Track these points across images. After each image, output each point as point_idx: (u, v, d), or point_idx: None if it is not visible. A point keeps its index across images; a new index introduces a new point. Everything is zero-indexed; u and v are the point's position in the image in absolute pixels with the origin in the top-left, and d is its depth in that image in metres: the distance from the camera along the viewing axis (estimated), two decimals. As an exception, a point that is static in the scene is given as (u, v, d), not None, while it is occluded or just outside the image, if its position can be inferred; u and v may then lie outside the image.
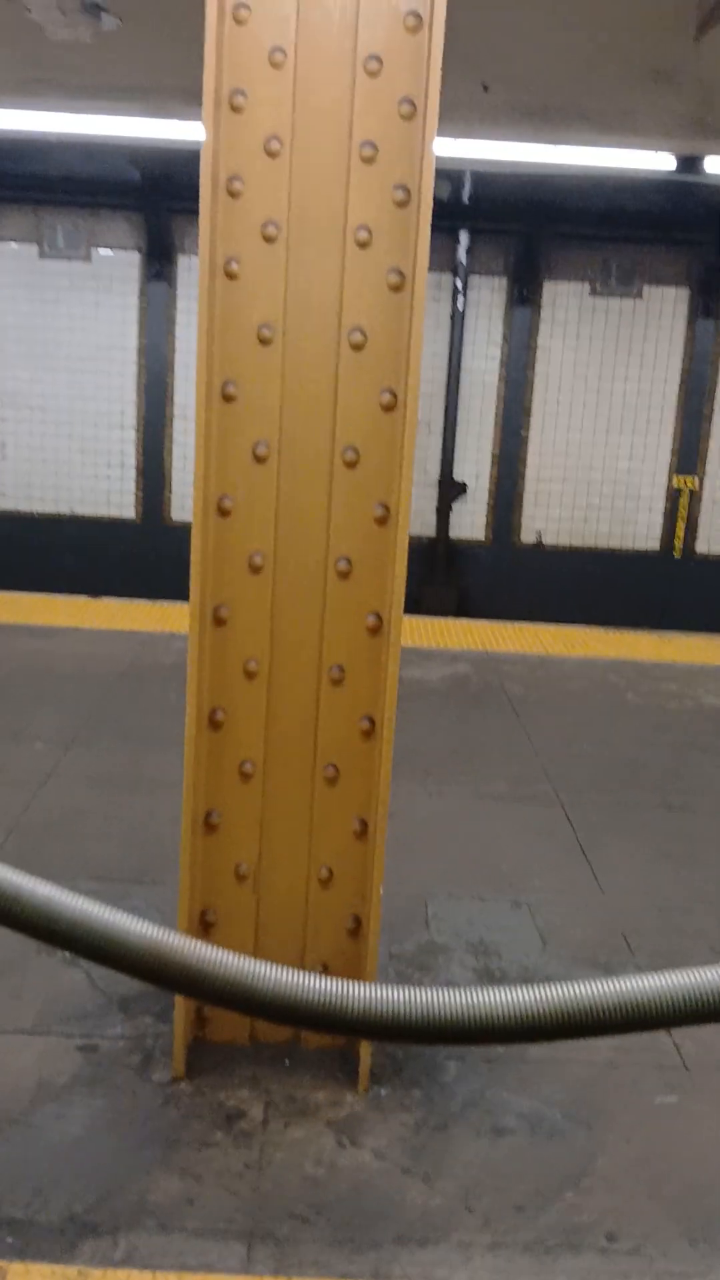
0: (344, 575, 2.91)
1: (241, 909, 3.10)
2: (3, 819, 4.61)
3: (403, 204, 2.70)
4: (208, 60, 2.58)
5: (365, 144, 2.67)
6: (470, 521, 11.99)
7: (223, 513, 2.87)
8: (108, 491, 11.81)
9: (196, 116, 6.54)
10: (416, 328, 2.68)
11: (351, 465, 2.84)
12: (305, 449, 2.84)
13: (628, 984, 1.23)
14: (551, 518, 11.97)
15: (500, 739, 6.13)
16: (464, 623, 8.92)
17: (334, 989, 1.29)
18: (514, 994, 1.26)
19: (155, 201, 11.06)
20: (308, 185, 2.70)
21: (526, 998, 1.25)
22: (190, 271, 11.34)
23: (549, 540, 12.02)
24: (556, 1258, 2.52)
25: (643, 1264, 2.51)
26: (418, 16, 2.62)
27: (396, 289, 2.74)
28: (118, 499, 11.84)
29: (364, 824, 3.05)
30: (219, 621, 2.93)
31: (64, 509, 11.83)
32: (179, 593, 9.52)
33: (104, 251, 11.31)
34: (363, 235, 2.71)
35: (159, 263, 11.26)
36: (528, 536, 12.01)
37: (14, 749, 5.45)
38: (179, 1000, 3.01)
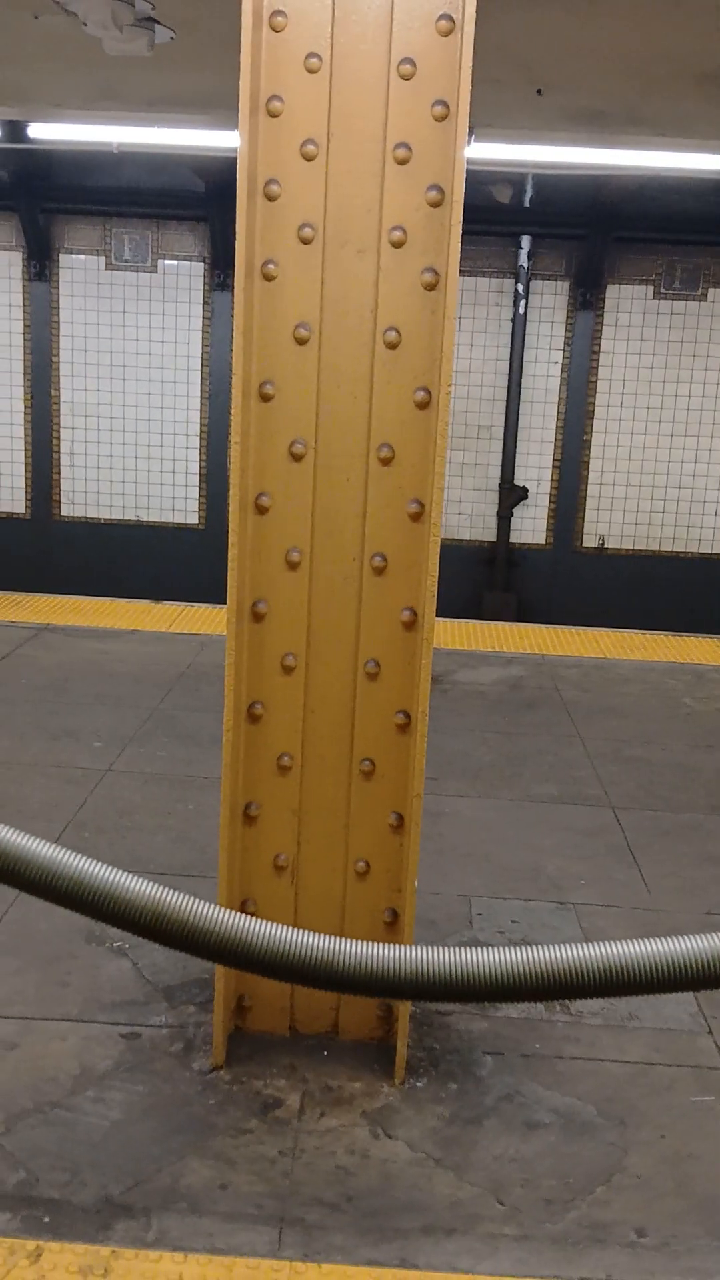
0: (379, 571, 2.95)
1: (280, 900, 3.14)
2: (61, 813, 4.72)
3: (436, 204, 2.74)
4: (244, 67, 2.65)
5: (399, 145, 2.71)
6: (531, 526, 11.95)
7: (260, 510, 2.93)
8: (172, 499, 11.98)
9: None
10: (449, 326, 2.71)
11: (386, 463, 2.88)
12: (341, 447, 2.88)
13: (610, 949, 1.25)
14: (614, 522, 11.88)
15: (553, 742, 6.11)
16: (521, 627, 8.90)
17: (327, 945, 1.33)
18: (496, 955, 1.29)
19: (220, 212, 11.21)
20: (343, 187, 2.74)
21: (510, 959, 1.28)
22: (253, 280, 11.45)
23: (611, 545, 11.94)
24: (583, 1251, 2.52)
25: (669, 1260, 2.50)
26: (450, 19, 2.66)
27: (431, 288, 2.78)
28: (182, 505, 12.01)
29: (400, 818, 3.08)
30: (257, 617, 2.98)
31: (130, 515, 12.02)
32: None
33: (169, 262, 11.49)
34: (397, 235, 2.75)
35: (224, 272, 11.41)
36: (590, 541, 11.94)
37: (73, 747, 5.57)
38: (220, 990, 3.06)
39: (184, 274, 11.52)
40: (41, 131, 7.63)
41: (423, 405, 2.84)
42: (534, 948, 1.34)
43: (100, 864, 1.37)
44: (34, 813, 4.72)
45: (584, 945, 1.29)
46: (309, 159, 2.73)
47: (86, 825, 4.62)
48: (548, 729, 6.37)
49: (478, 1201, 2.69)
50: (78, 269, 11.55)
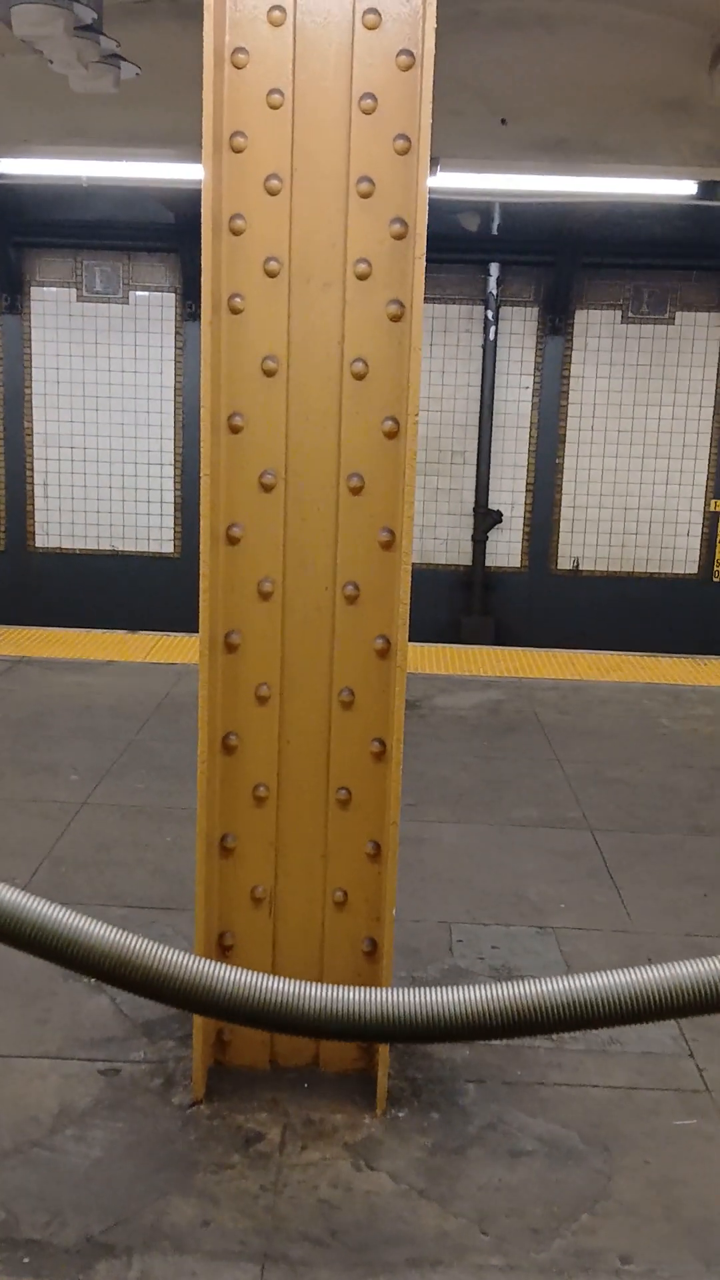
0: (351, 600, 2.95)
1: (258, 932, 3.13)
2: (37, 849, 4.68)
3: (400, 236, 2.76)
4: (206, 104, 2.67)
5: (362, 179, 2.74)
6: (506, 550, 12.01)
7: (232, 541, 2.93)
8: (148, 528, 11.98)
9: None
10: (415, 357, 2.74)
11: (356, 492, 2.89)
12: (311, 477, 2.90)
13: (574, 983, 1.25)
14: (588, 544, 11.96)
15: (531, 765, 6.12)
16: (498, 650, 8.92)
17: (291, 989, 1.33)
18: (462, 993, 1.29)
19: (190, 243, 11.26)
20: (308, 221, 2.77)
21: (476, 996, 1.28)
22: (225, 310, 11.52)
23: (586, 566, 12.01)
24: (570, 1280, 2.51)
25: (656, 1286, 2.49)
26: (410, 54, 2.69)
27: (396, 319, 2.80)
28: (157, 535, 12.00)
29: (377, 846, 3.07)
30: (230, 648, 2.99)
31: (105, 545, 12.01)
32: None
33: (141, 293, 11.54)
34: (362, 268, 2.78)
35: (195, 303, 11.45)
36: (564, 564, 12.00)
37: (50, 781, 5.53)
38: (198, 1024, 3.04)
39: (155, 305, 11.57)
40: (10, 167, 7.67)
41: (391, 435, 2.86)
42: (499, 984, 1.34)
43: (63, 908, 1.36)
44: (10, 849, 4.68)
45: (549, 979, 1.29)
46: (273, 194, 2.76)
47: (64, 860, 4.59)
48: (527, 752, 6.37)
49: (464, 1232, 2.67)
50: (49, 301, 11.58)
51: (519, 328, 11.51)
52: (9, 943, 1.33)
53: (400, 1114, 3.07)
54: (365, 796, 3.05)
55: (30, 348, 11.63)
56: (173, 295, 11.56)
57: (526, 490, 11.86)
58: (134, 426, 11.79)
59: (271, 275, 2.79)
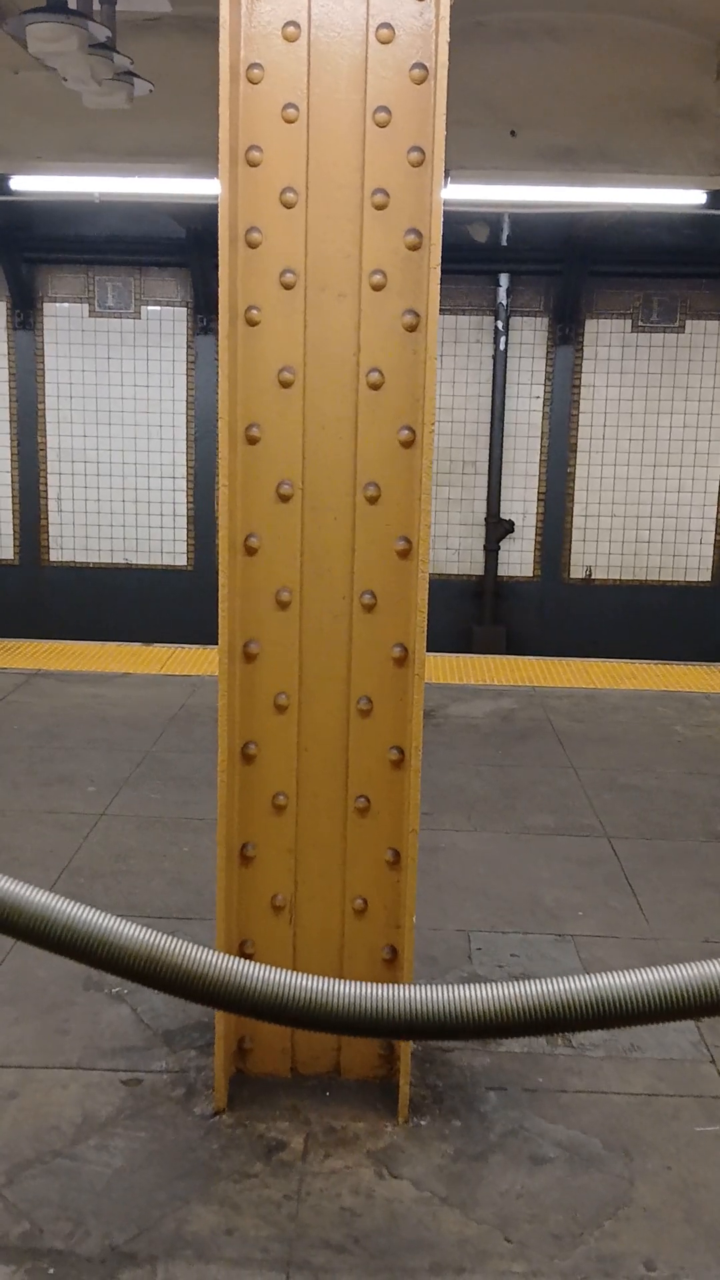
0: (369, 608, 2.97)
1: (278, 940, 3.14)
2: (56, 859, 4.70)
3: (415, 247, 2.79)
4: (222, 118, 2.70)
5: (377, 191, 2.77)
6: (519, 559, 12.02)
7: (249, 551, 2.95)
8: (161, 541, 12.03)
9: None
10: (430, 366, 2.76)
11: (373, 501, 2.91)
12: (328, 486, 2.92)
13: (598, 981, 1.26)
14: (600, 553, 11.96)
15: (547, 773, 6.12)
16: (511, 659, 8.92)
17: (320, 987, 1.34)
18: (490, 990, 1.30)
19: (201, 258, 11.34)
20: (323, 233, 2.79)
21: (504, 994, 1.29)
22: (236, 323, 11.58)
23: (598, 575, 12.01)
24: (593, 1286, 2.51)
25: (680, 1292, 2.48)
26: (423, 68, 2.72)
27: (411, 329, 2.82)
28: (170, 548, 12.05)
29: (396, 854, 3.08)
30: (249, 657, 3.00)
31: (118, 559, 12.06)
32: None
33: (152, 308, 11.60)
34: (377, 279, 2.80)
35: (206, 317, 11.52)
36: (576, 572, 12.00)
37: (67, 792, 5.55)
38: (220, 1033, 3.05)
39: (167, 319, 11.64)
40: (23, 184, 7.74)
41: (407, 444, 2.88)
42: (530, 982, 1.35)
43: (93, 910, 1.38)
44: (29, 860, 4.70)
45: (575, 978, 1.30)
46: (289, 206, 2.78)
47: (82, 871, 4.61)
48: (541, 760, 6.37)
49: (486, 1238, 2.67)
50: (61, 317, 11.65)
51: (529, 337, 11.54)
52: (39, 944, 1.35)
53: (422, 1121, 3.07)
54: (384, 804, 3.06)
55: (43, 363, 11.70)
56: (184, 309, 11.62)
57: (538, 499, 11.88)
58: (146, 440, 11.85)
59: (287, 287, 2.81)
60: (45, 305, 11.61)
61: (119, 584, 12.07)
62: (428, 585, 2.86)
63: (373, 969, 3.13)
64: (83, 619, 11.71)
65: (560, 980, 1.29)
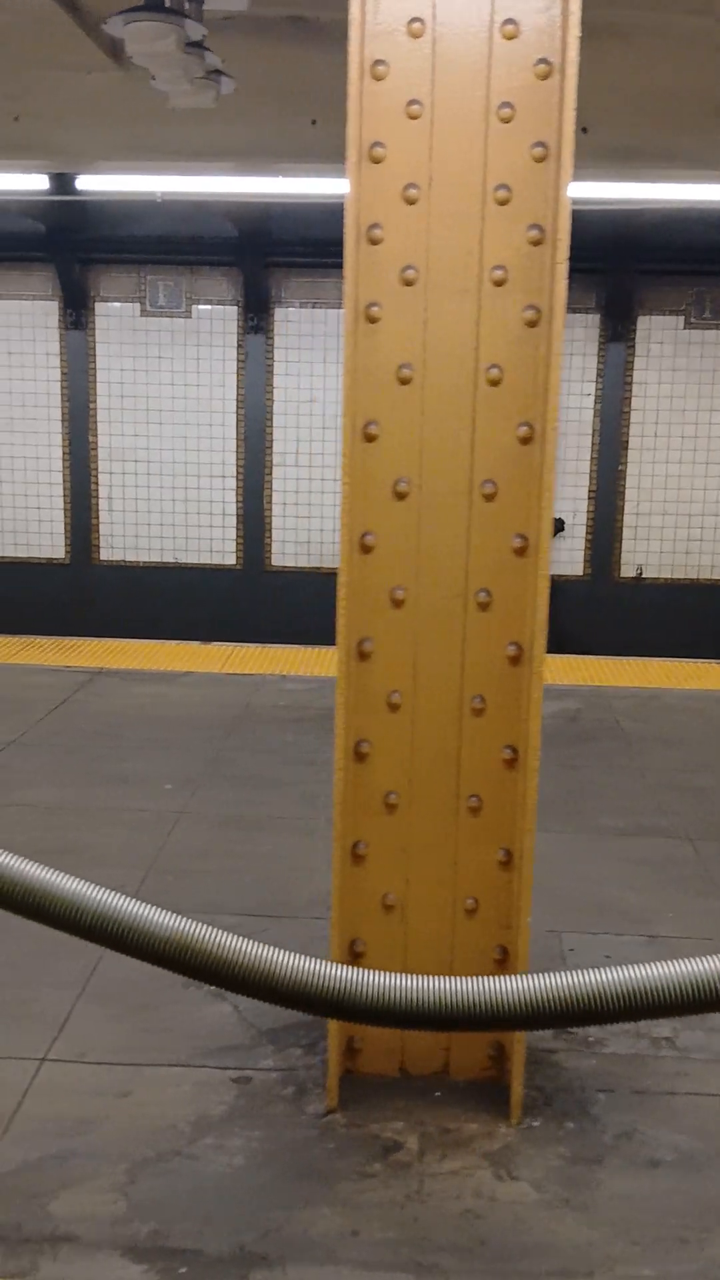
0: (484, 606, 2.95)
1: (389, 939, 3.12)
2: (139, 859, 4.71)
3: (537, 242, 2.77)
4: (350, 115, 2.69)
5: (499, 187, 2.75)
6: (569, 558, 11.96)
7: (365, 549, 2.94)
8: (210, 540, 12.06)
9: (298, 172, 6.75)
10: (554, 361, 2.74)
11: (490, 498, 2.89)
12: (444, 484, 2.90)
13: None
14: (651, 551, 11.88)
15: (612, 774, 6.08)
16: (572, 659, 8.88)
17: (349, 976, 1.37)
18: (507, 983, 1.34)
19: (251, 257, 11.35)
20: (445, 229, 2.78)
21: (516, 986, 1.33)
22: (286, 322, 11.59)
23: (649, 574, 11.93)
24: (730, 1292, 2.48)
25: None
26: (548, 63, 2.70)
27: (532, 324, 2.80)
28: (219, 546, 12.08)
29: (508, 854, 3.06)
30: (363, 655, 2.99)
31: (167, 558, 12.10)
32: (277, 635, 9.68)
33: (203, 307, 11.63)
34: (499, 274, 2.78)
35: (256, 316, 11.53)
36: (627, 571, 11.93)
37: (142, 791, 5.57)
38: (332, 1031, 3.04)
39: (217, 318, 11.66)
40: (89, 183, 7.77)
41: (525, 440, 2.86)
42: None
43: (122, 896, 1.44)
44: (112, 860, 4.72)
45: (667, 963, 1.35)
46: (411, 203, 2.77)
47: (167, 870, 4.62)
48: (607, 760, 6.34)
49: (610, 1242, 2.65)
50: (113, 316, 11.70)
51: (580, 335, 11.48)
52: (71, 930, 1.39)
53: (534, 1123, 3.05)
54: (497, 804, 3.04)
55: (95, 363, 11.75)
56: (234, 309, 11.64)
57: (589, 498, 11.81)
58: (196, 439, 11.88)
59: (408, 284, 2.80)
60: (97, 305, 11.66)
61: (168, 582, 12.10)
62: (549, 584, 2.84)
63: (483, 969, 3.11)
64: (132, 617, 11.74)
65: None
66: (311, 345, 11.71)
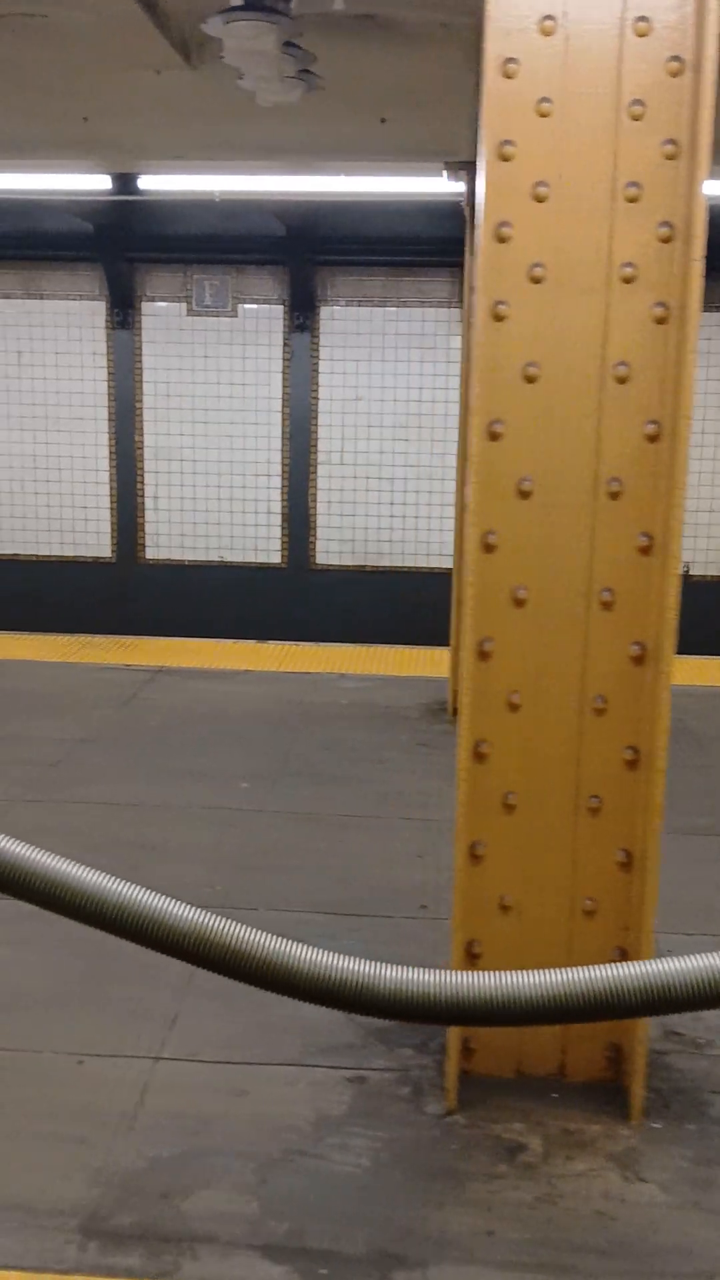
0: (607, 606, 2.94)
1: (505, 940, 3.11)
2: (225, 855, 4.72)
3: (667, 240, 2.75)
4: (483, 114, 2.69)
5: (630, 184, 2.73)
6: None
7: (487, 548, 2.93)
8: (255, 539, 12.07)
9: (365, 171, 6.73)
10: (686, 358, 2.72)
11: (615, 497, 2.88)
12: (568, 482, 2.89)
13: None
14: (699, 549, 11.82)
15: (685, 773, 6.04)
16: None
17: (367, 970, 1.42)
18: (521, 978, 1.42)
19: (298, 255, 11.34)
20: (573, 226, 2.76)
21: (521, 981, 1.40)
22: (332, 320, 11.59)
23: (696, 571, 11.87)
24: None
25: None
26: (679, 60, 2.68)
27: (662, 321, 2.78)
28: (264, 545, 12.09)
29: (628, 855, 3.05)
30: (483, 655, 2.98)
31: (213, 556, 12.12)
32: (322, 634, 9.66)
33: (249, 306, 11.64)
34: (628, 271, 2.76)
35: (303, 314, 11.53)
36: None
37: (219, 787, 5.57)
38: (451, 1034, 3.04)
39: (263, 317, 11.66)
40: (151, 183, 7.79)
41: (653, 438, 2.84)
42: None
43: (143, 889, 1.44)
44: (198, 856, 4.73)
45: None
46: (540, 200, 2.76)
47: (254, 867, 4.62)
48: (679, 760, 6.28)
49: (747, 1245, 2.64)
50: (159, 316, 11.73)
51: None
52: (93, 923, 1.44)
53: (655, 1125, 3.04)
54: (617, 805, 3.03)
55: (141, 362, 11.78)
56: (280, 307, 11.64)
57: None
58: (241, 438, 11.89)
59: (536, 281, 2.78)
60: (144, 304, 11.69)
61: (213, 581, 12.12)
62: (678, 583, 2.83)
63: (601, 970, 3.10)
64: (177, 616, 11.77)
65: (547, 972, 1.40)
66: (356, 343, 11.70)
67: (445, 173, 6.22)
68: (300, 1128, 3.00)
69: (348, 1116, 3.04)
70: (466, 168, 6.14)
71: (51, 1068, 3.24)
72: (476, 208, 2.73)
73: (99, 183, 7.88)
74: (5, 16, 6.15)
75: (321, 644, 8.73)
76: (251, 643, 8.66)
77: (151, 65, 6.05)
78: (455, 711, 6.88)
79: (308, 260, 11.38)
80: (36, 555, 12.23)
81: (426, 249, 11.22)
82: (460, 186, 6.59)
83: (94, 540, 12.19)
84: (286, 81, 4.22)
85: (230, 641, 8.66)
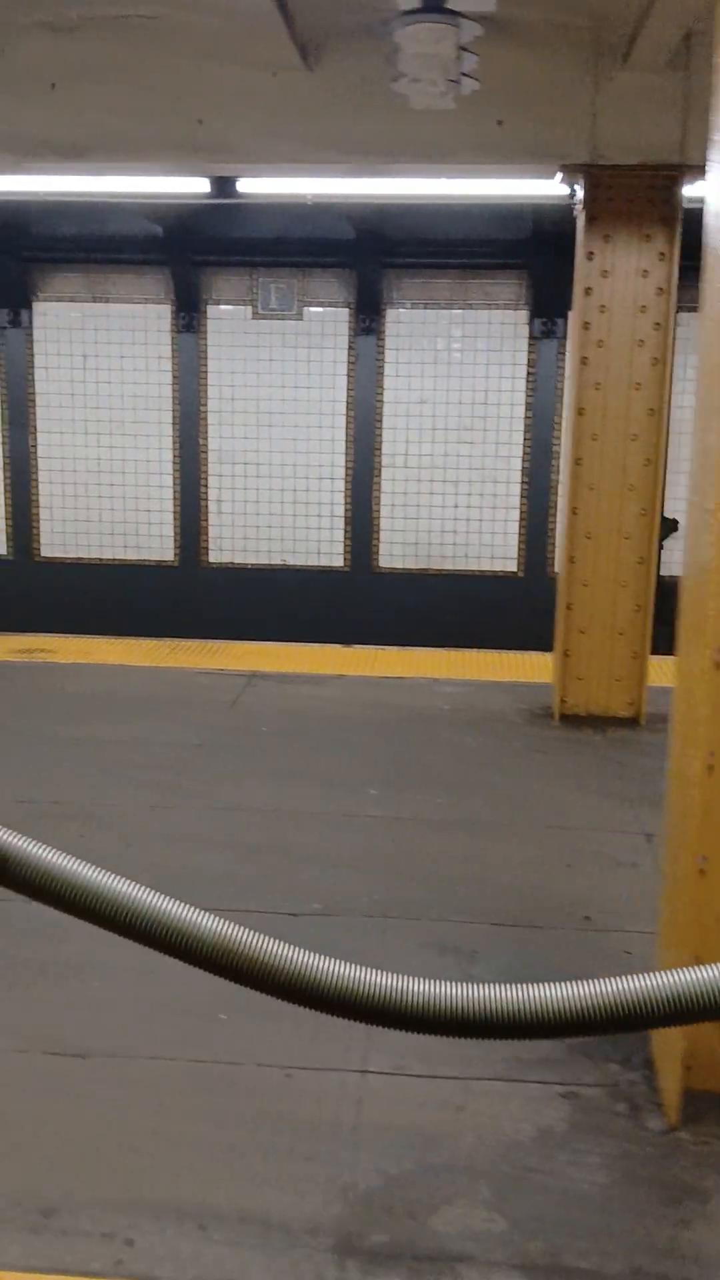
0: None
1: (726, 955, 3.07)
2: (375, 865, 4.69)
3: None
4: (715, 108, 2.65)
5: None
6: (681, 558, 11.83)
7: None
8: (318, 542, 12.04)
9: (478, 173, 6.69)
10: None
11: None
12: None
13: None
14: (766, 552, 11.74)
15: None
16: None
17: (392, 984, 1.42)
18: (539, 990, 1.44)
19: (364, 257, 11.31)
20: None
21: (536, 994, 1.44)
22: (398, 323, 11.56)
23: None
24: None
25: None
26: None
27: None
28: (328, 549, 12.06)
29: None
30: (716, 666, 2.94)
31: (276, 560, 12.09)
32: (384, 637, 9.61)
33: (315, 309, 11.61)
34: None
35: (369, 317, 11.50)
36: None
37: (348, 793, 5.53)
38: (673, 1050, 3.00)
39: (329, 320, 11.63)
40: (249, 186, 7.76)
41: None
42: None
43: (170, 899, 1.46)
44: (349, 862, 4.70)
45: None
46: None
47: (409, 875, 4.59)
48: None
49: None
50: (225, 319, 11.70)
51: (686, 333, 11.35)
52: (122, 932, 1.47)
53: None
54: None
55: (206, 365, 11.76)
56: (346, 310, 11.60)
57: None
58: (305, 441, 11.86)
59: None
60: (209, 308, 11.66)
61: (275, 584, 12.09)
62: None
63: None
64: (240, 619, 11.74)
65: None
66: (422, 346, 11.66)
67: (560, 175, 6.17)
68: (525, 1144, 2.96)
69: (571, 1132, 3.01)
70: (583, 170, 6.10)
71: (259, 1080, 3.21)
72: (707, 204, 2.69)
73: (193, 185, 7.84)
74: (121, 19, 6.15)
75: (403, 648, 8.68)
76: (337, 646, 8.63)
77: (270, 67, 6.04)
78: (562, 718, 6.85)
79: (376, 262, 11.34)
80: (100, 559, 12.22)
81: (495, 251, 11.19)
82: (564, 189, 6.54)
83: (157, 544, 12.18)
84: (449, 85, 4.18)
85: (318, 645, 8.63)
